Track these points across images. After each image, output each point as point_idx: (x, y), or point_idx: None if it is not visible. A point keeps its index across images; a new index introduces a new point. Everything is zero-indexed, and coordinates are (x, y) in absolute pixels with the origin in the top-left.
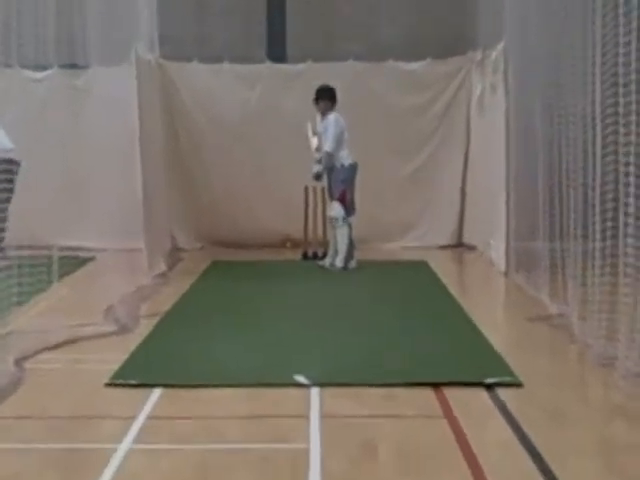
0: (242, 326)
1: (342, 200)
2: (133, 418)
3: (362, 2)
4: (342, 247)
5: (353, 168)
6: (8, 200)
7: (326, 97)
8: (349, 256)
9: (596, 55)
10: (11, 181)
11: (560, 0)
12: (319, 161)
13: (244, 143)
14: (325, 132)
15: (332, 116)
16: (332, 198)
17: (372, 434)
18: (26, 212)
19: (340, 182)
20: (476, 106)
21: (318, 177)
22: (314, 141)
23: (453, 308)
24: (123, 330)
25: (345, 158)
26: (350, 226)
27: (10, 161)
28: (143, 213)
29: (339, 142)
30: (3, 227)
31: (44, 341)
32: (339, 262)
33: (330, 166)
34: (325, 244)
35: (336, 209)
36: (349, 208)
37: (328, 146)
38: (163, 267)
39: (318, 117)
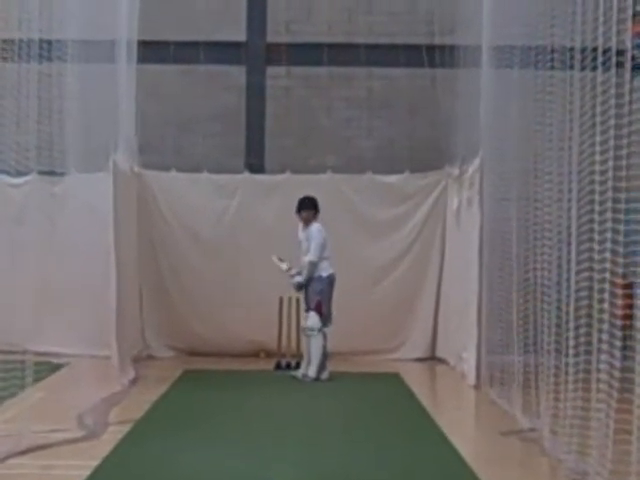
0: (213, 436)
1: (318, 310)
2: None
3: (340, 115)
4: (315, 358)
5: (330, 280)
6: None
7: (309, 207)
8: (322, 367)
9: (572, 171)
10: None
11: (537, 115)
12: (299, 273)
13: (220, 253)
14: (308, 241)
15: (315, 226)
16: (308, 308)
17: None
18: (0, 316)
19: (317, 293)
20: (453, 220)
21: (300, 287)
22: (283, 265)
23: (425, 421)
24: (94, 437)
25: (324, 269)
26: (325, 337)
27: None
28: (116, 321)
29: (322, 252)
30: None
31: (14, 446)
32: (312, 372)
33: (312, 276)
34: (299, 355)
35: (313, 319)
36: (325, 319)
37: (312, 255)
38: (135, 374)
39: (300, 226)
